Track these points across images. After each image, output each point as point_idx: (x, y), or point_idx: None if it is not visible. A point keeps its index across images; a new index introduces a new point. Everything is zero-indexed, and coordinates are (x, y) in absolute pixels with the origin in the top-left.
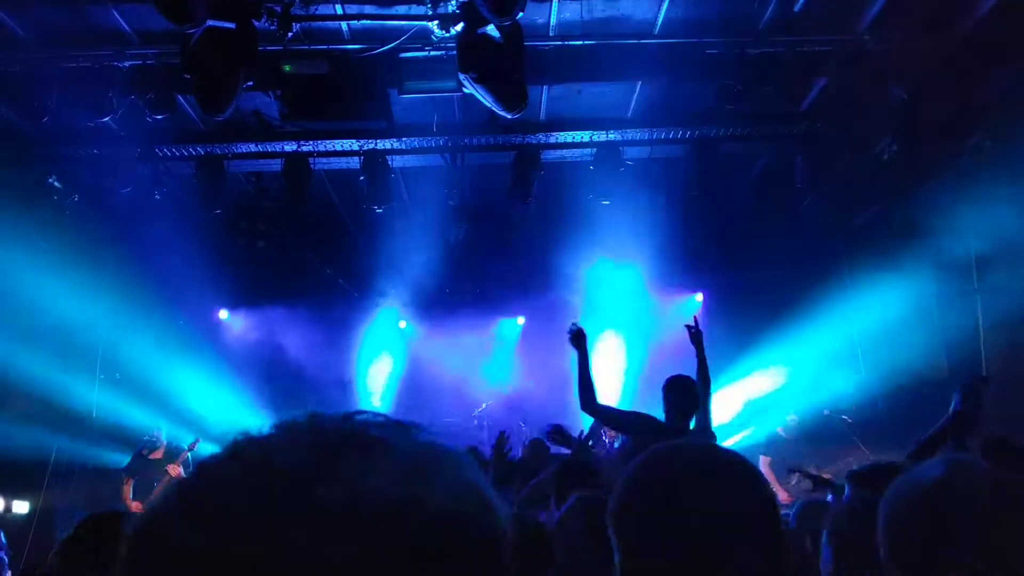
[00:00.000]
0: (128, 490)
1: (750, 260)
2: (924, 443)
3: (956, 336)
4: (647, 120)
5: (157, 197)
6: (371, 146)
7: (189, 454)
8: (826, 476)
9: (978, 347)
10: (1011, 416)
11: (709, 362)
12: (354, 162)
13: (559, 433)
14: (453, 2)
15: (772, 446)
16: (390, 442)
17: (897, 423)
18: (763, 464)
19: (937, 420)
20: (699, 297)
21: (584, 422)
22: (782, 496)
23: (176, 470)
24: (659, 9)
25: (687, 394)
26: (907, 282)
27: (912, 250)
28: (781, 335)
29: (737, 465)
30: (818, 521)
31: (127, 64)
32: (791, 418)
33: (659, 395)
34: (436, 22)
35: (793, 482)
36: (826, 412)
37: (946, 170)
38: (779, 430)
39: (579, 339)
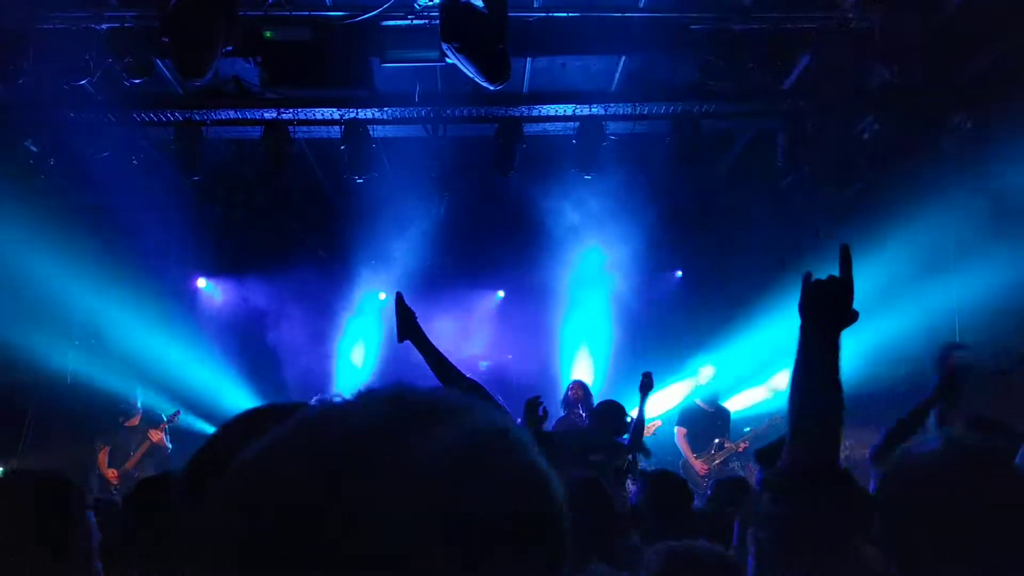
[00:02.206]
0: (104, 458)
1: (730, 238)
2: (904, 421)
3: (934, 318)
4: (630, 95)
5: (134, 162)
6: (352, 115)
7: (168, 425)
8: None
9: (954, 329)
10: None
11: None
12: (335, 131)
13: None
14: None
15: (688, 417)
16: (461, 414)
17: (878, 406)
18: (678, 436)
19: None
20: (677, 274)
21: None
22: (699, 469)
23: (158, 435)
24: None
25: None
26: (885, 263)
27: (891, 230)
28: (759, 314)
29: None
30: (736, 498)
31: (104, 27)
32: (712, 394)
33: (629, 374)
34: None
35: (717, 461)
36: None
37: (927, 150)
38: (698, 401)
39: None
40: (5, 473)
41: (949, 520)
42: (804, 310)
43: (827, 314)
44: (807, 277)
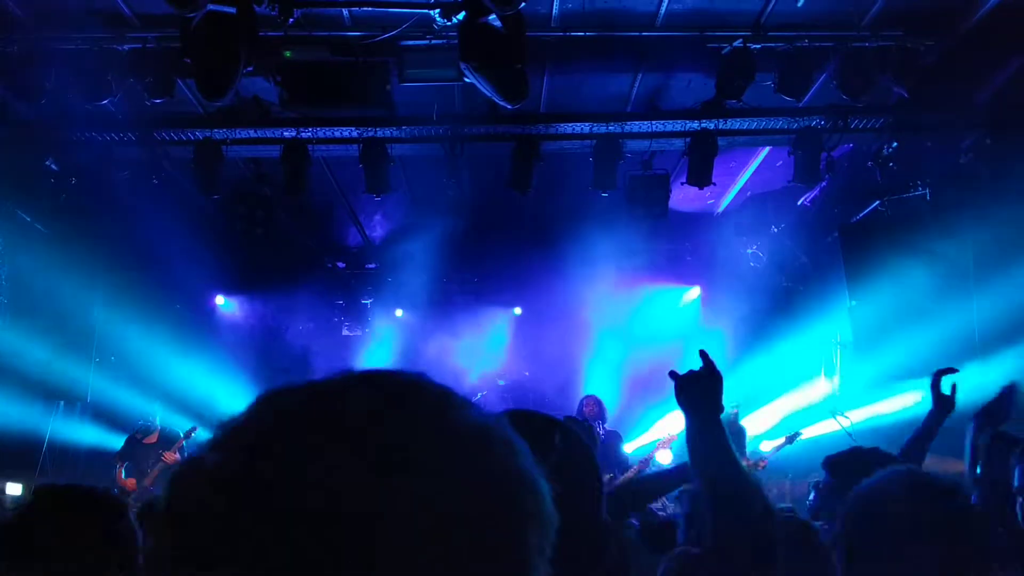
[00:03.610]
0: (120, 474)
1: (745, 254)
2: (911, 442)
3: (952, 334)
4: (647, 113)
5: (155, 181)
6: (371, 134)
7: (185, 442)
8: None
9: (974, 346)
10: None
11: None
12: (353, 149)
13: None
14: None
15: None
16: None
17: (898, 425)
18: None
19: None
20: (696, 291)
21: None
22: None
23: (172, 457)
24: (660, 1)
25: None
26: (905, 278)
27: (911, 246)
28: (774, 330)
29: None
30: None
31: (126, 47)
32: (731, 411)
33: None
34: (438, 10)
35: None
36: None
37: (945, 168)
38: None
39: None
40: (25, 490)
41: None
42: (680, 401)
43: (701, 401)
44: (673, 375)
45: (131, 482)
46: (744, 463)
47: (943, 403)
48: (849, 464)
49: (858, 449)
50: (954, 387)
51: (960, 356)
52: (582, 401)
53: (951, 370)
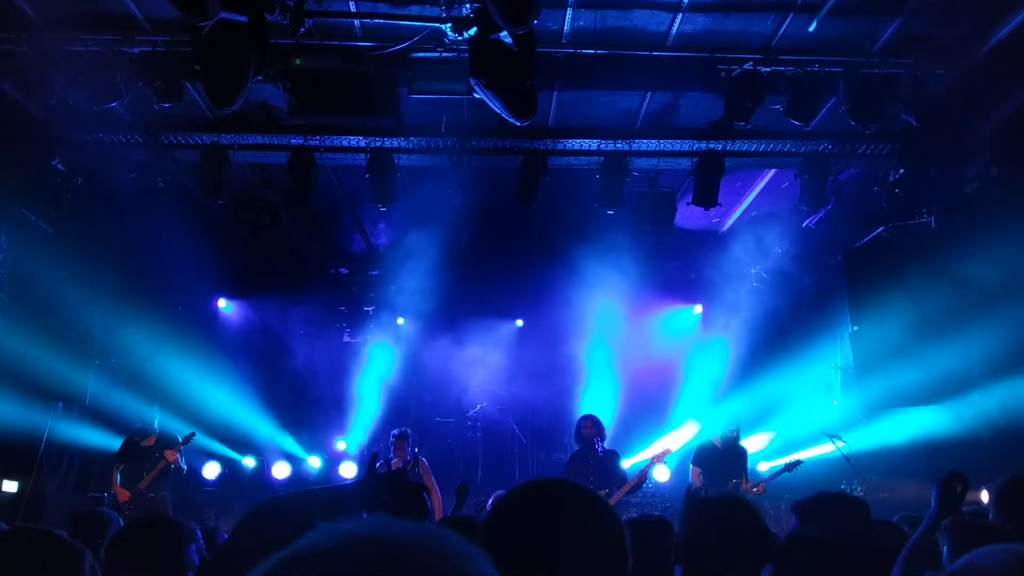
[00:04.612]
0: (116, 478)
1: (748, 274)
2: (913, 546)
3: (953, 363)
4: (655, 131)
5: (161, 184)
6: (378, 144)
7: (183, 447)
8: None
9: (973, 376)
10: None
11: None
12: (360, 157)
13: None
14: (467, 6)
15: (703, 456)
16: None
17: (895, 451)
18: (692, 476)
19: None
20: (697, 309)
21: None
22: None
23: (174, 456)
24: (672, 22)
25: None
26: (907, 306)
27: (914, 274)
28: (775, 352)
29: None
30: None
31: (136, 50)
32: (732, 432)
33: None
34: (450, 25)
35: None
36: (825, 433)
37: (951, 196)
38: (715, 440)
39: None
40: (21, 487)
41: None
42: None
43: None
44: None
45: (125, 494)
46: (744, 486)
47: (947, 505)
48: (815, 512)
49: (825, 495)
50: (964, 490)
51: (960, 386)
52: (580, 422)
53: (961, 476)
